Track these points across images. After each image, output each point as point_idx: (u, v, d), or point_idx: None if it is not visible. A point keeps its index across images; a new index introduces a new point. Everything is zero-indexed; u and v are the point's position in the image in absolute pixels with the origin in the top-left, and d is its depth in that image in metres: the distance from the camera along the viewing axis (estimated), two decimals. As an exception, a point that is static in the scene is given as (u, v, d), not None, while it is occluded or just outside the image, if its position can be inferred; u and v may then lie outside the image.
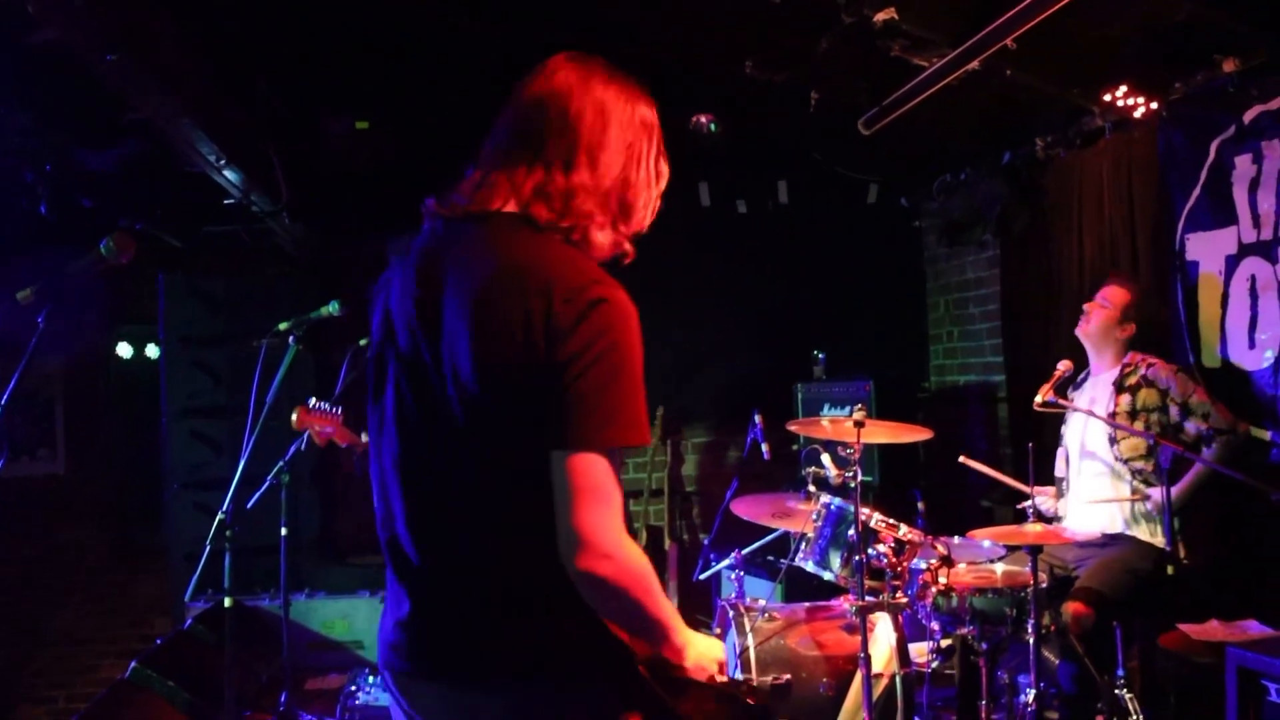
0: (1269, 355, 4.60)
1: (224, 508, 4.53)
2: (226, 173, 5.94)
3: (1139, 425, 4.56)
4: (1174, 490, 4.42)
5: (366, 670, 6.06)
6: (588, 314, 1.84)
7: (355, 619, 6.53)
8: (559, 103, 2.06)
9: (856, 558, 4.19)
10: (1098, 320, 4.80)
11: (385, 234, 6.81)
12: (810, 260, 7.61)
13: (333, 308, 4.48)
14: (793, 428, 4.85)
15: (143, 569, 7.64)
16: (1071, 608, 4.26)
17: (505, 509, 1.92)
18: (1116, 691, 4.35)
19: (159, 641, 5.57)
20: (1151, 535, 4.56)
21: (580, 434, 1.83)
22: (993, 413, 6.90)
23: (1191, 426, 4.51)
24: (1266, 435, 4.64)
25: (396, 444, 2.02)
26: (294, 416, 4.45)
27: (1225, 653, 3.29)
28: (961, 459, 5.08)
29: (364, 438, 4.38)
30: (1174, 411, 4.54)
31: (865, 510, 4.29)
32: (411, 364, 2.00)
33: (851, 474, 4.23)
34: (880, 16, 5.07)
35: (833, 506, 4.52)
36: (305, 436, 4.77)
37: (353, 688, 5.76)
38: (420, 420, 1.99)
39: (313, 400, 4.57)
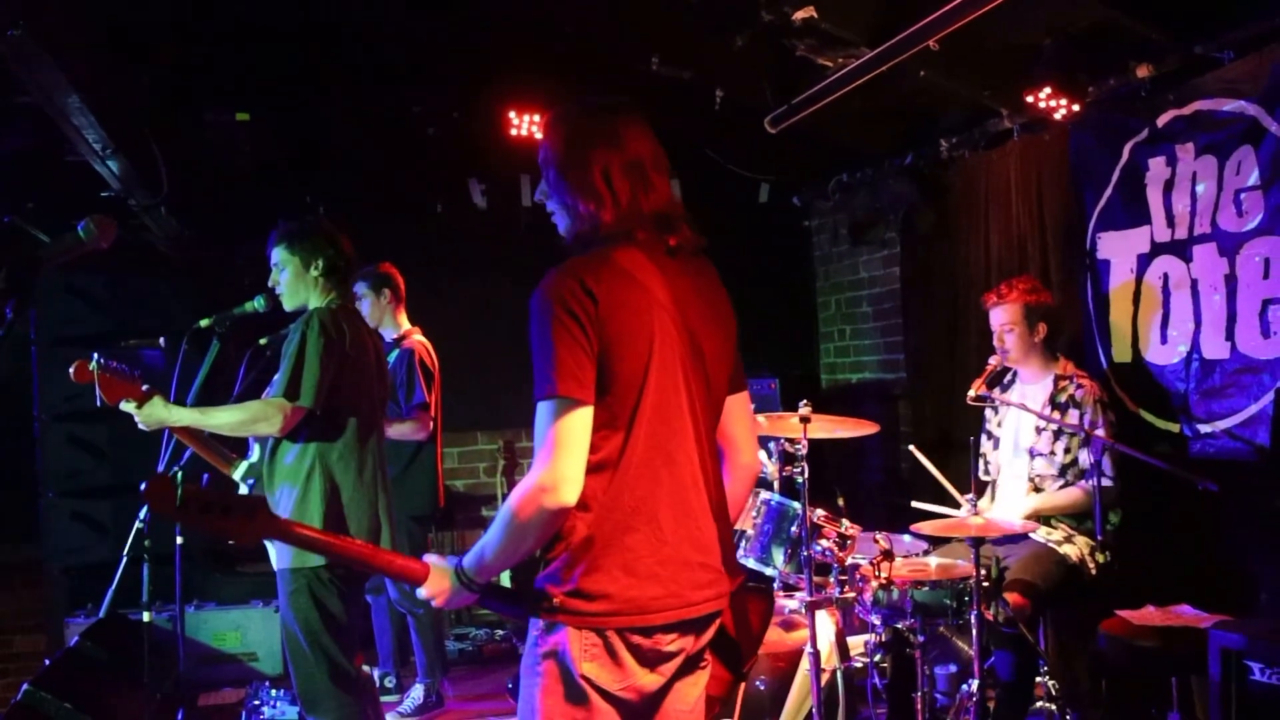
0: (1181, 350, 4.77)
1: (143, 516, 4.26)
2: (110, 163, 5.63)
3: (1059, 444, 4.66)
4: (1040, 501, 4.63)
5: (267, 683, 5.81)
6: None
7: (249, 630, 6.27)
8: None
9: (804, 553, 4.18)
10: (1012, 344, 4.76)
11: (258, 229, 6.56)
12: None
13: (258, 303, 4.24)
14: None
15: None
16: (1009, 599, 4.32)
17: None
18: (1038, 679, 4.45)
19: (48, 662, 5.22)
20: (1065, 537, 4.65)
21: None
22: (890, 410, 7.00)
23: (1084, 457, 4.60)
24: (1176, 428, 4.81)
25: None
26: (72, 369, 3.96)
27: (1208, 635, 3.38)
28: (911, 448, 5.09)
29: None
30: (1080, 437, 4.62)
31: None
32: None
33: (800, 469, 4.21)
34: (800, 15, 5.09)
35: (773, 503, 4.51)
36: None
37: (256, 702, 5.51)
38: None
39: (96, 356, 4.01)
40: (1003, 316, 4.78)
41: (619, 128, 2.46)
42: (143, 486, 2.30)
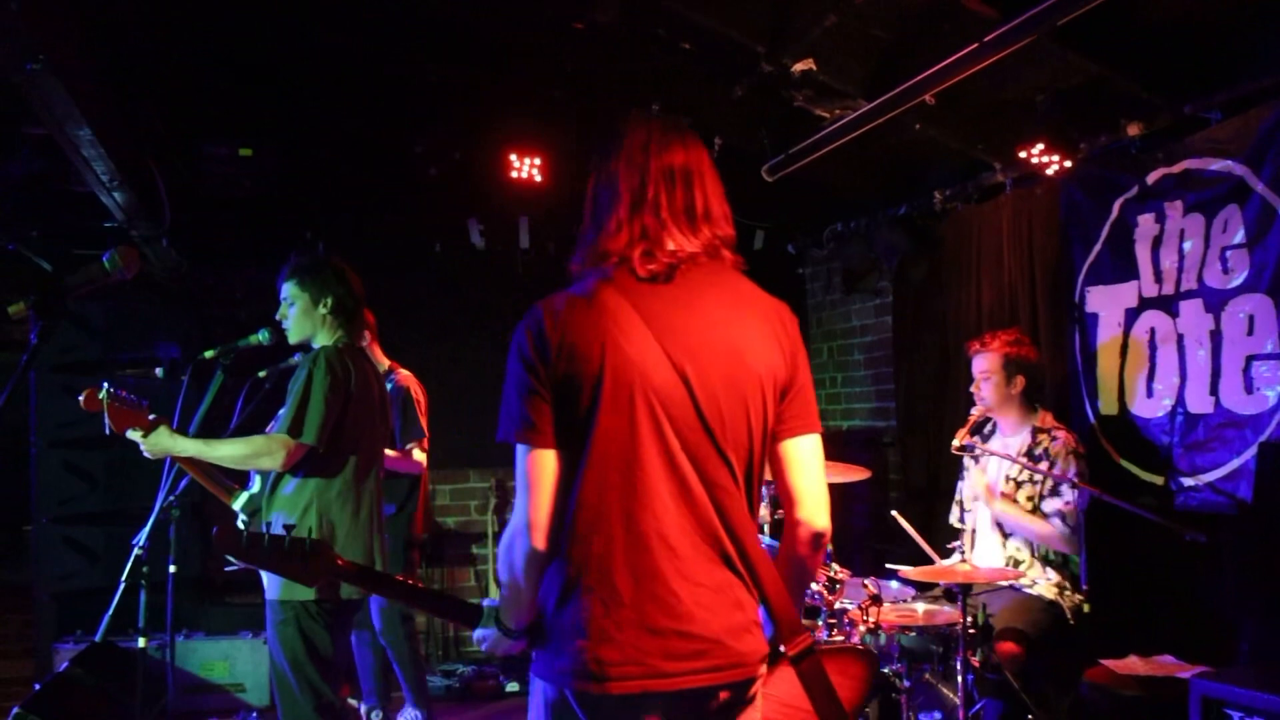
0: (1166, 403, 4.85)
1: (140, 543, 4.30)
2: (115, 194, 5.70)
3: (1022, 492, 4.74)
4: (1017, 514, 4.71)
5: (254, 714, 5.83)
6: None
7: (237, 660, 6.27)
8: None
9: (793, 596, 4.22)
10: (989, 393, 4.86)
11: (256, 262, 6.60)
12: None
13: (263, 335, 4.30)
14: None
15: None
16: (1002, 648, 4.37)
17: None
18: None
19: (37, 686, 5.22)
20: (1045, 580, 4.71)
21: None
22: (879, 456, 7.07)
23: (1049, 506, 4.68)
24: (1160, 480, 4.88)
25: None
26: (82, 396, 4.05)
27: (1189, 684, 3.44)
28: (894, 514, 5.13)
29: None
30: (1049, 484, 4.69)
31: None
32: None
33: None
34: (799, 67, 5.20)
35: (762, 546, 4.55)
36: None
37: (245, 734, 5.53)
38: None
39: (107, 385, 4.08)
40: (982, 364, 4.89)
41: (622, 142, 2.34)
42: (214, 531, 2.34)
